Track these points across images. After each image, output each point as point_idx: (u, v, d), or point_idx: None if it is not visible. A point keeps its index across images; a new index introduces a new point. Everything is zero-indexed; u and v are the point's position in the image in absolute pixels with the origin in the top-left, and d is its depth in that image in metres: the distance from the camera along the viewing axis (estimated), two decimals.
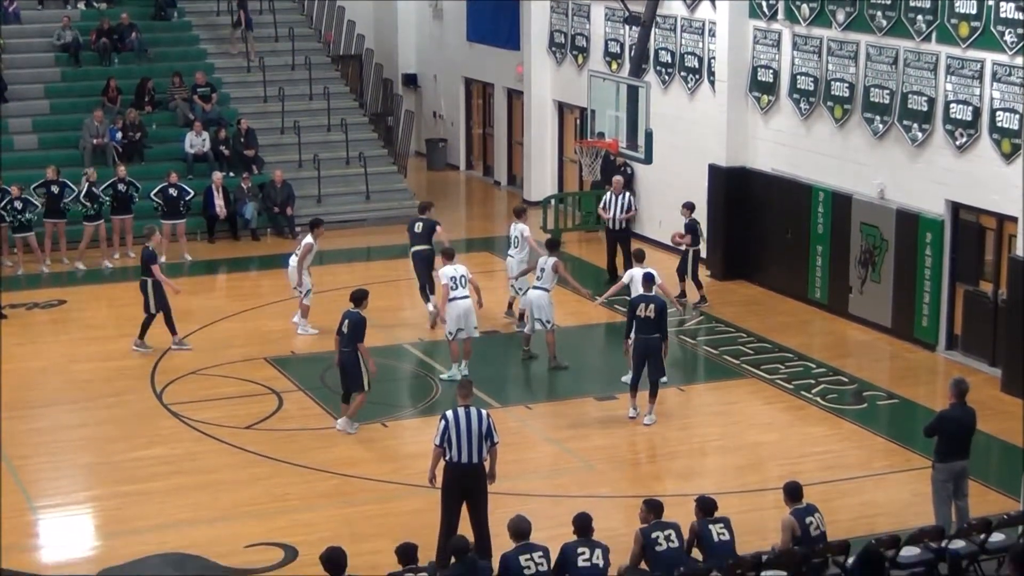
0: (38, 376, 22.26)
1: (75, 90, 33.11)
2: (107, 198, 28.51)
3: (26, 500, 17.49)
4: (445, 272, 21.65)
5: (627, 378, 20.61)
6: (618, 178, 27.62)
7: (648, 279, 20.45)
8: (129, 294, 26.36)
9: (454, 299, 21.45)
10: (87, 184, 28.32)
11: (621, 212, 27.11)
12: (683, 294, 25.39)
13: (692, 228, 25.41)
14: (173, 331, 23.18)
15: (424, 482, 15.82)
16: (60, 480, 18.37)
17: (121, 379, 21.92)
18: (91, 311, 25.84)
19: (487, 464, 15.35)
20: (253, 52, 35.07)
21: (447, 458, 15.21)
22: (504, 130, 36.11)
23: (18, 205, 27.49)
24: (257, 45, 35.26)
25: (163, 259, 28.29)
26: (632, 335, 20.16)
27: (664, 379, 20.37)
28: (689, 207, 25.59)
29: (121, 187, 28.72)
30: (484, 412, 15.38)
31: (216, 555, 15.88)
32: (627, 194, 27.50)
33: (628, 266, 27.07)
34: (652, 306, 19.95)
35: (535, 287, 22.34)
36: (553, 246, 22.78)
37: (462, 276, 21.59)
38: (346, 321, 19.53)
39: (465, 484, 15.27)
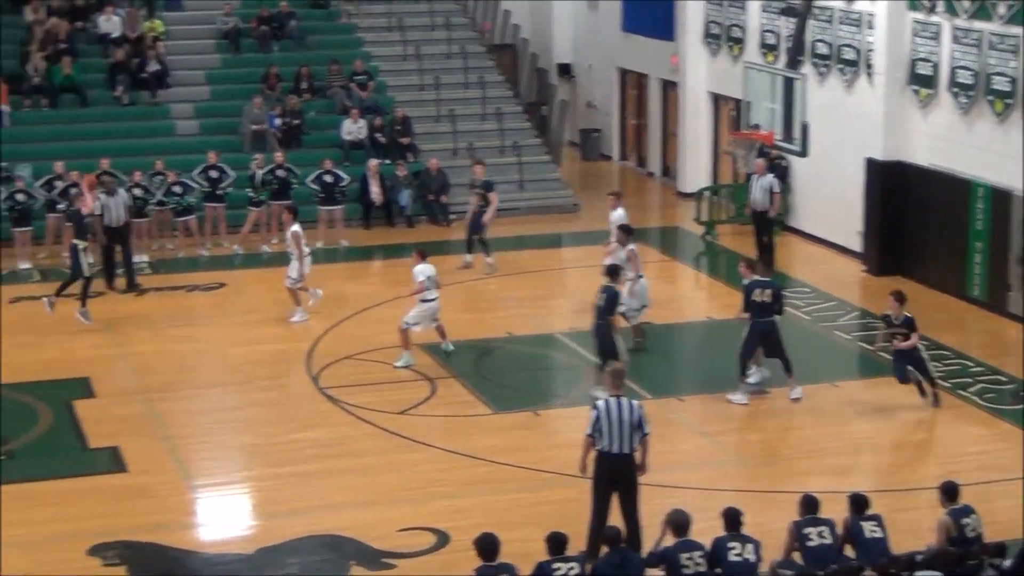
0: (197, 358, 22.71)
1: (235, 77, 33.66)
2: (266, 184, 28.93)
3: (185, 478, 17.89)
4: (421, 271, 21.99)
5: (753, 379, 20.78)
6: (759, 160, 27.22)
7: (748, 264, 21.05)
8: None
9: (427, 300, 21.84)
10: (259, 172, 28.75)
11: (762, 195, 26.69)
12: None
13: (910, 322, 20.05)
14: None
15: (575, 471, 15.85)
16: (218, 460, 18.73)
17: (277, 363, 22.27)
18: (249, 295, 26.23)
19: (638, 455, 15.36)
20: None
21: (598, 448, 15.20)
22: (658, 121, 35.99)
23: (177, 189, 28.04)
24: (414, 34, 35.55)
25: (320, 244, 28.72)
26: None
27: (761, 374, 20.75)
28: (899, 298, 20.08)
29: (280, 173, 29.13)
30: (636, 403, 15.33)
31: (370, 538, 16.04)
32: (769, 176, 27.08)
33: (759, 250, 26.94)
34: (768, 291, 20.25)
35: (640, 276, 22.63)
36: (630, 232, 22.93)
37: (430, 277, 21.96)
38: (603, 295, 20.19)
39: (616, 475, 15.23)
